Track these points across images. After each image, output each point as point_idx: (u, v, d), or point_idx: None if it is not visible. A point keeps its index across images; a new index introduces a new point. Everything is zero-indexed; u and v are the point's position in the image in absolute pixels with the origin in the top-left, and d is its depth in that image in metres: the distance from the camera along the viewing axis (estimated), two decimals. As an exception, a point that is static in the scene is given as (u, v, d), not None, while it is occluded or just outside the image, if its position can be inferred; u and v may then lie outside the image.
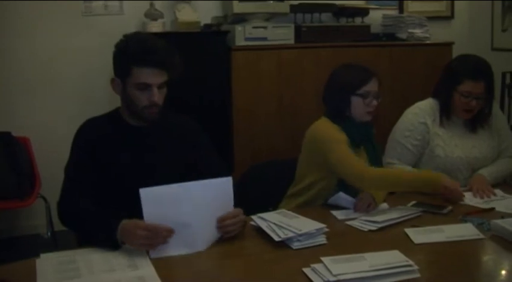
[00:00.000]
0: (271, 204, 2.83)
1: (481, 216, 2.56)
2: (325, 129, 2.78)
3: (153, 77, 2.37)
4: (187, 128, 2.60)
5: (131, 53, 2.37)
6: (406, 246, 2.24)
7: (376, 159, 2.88)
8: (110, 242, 2.16)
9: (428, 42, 4.96)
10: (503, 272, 2.12)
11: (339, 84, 2.81)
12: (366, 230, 2.42)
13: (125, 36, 2.46)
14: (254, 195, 2.92)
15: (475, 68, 2.98)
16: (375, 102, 2.77)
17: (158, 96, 2.40)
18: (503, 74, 4.91)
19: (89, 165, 2.41)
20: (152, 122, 2.46)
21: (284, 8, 4.55)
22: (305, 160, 2.86)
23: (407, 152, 3.04)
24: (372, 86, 2.76)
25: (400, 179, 2.65)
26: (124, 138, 2.46)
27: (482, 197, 2.81)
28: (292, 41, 4.53)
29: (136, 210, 2.14)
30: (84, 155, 2.43)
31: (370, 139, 2.87)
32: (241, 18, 4.52)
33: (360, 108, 2.76)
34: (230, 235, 2.30)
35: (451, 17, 5.65)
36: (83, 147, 2.44)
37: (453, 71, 3.03)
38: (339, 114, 2.79)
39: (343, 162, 2.65)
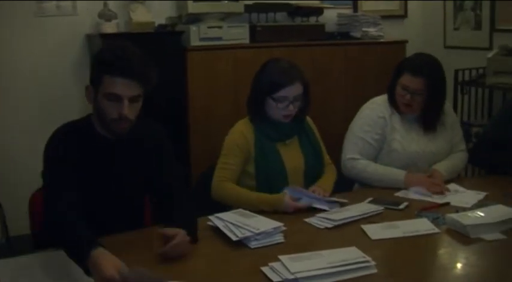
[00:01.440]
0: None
1: (436, 211, 2.61)
2: (230, 133, 2.88)
3: (124, 88, 2.23)
4: (155, 138, 2.51)
5: (104, 60, 2.25)
6: (363, 242, 2.26)
7: (314, 153, 2.92)
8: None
9: (382, 40, 5.01)
10: (458, 265, 2.15)
11: (256, 84, 2.86)
12: (323, 227, 2.43)
13: (107, 43, 2.35)
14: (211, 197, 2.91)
15: (417, 63, 3.02)
16: (291, 107, 2.78)
17: (129, 110, 2.25)
18: (456, 71, 4.98)
19: (66, 170, 2.29)
20: (120, 135, 2.35)
21: (239, 7, 4.54)
22: None
23: (368, 146, 3.05)
24: (288, 92, 2.76)
25: (246, 197, 2.71)
26: (92, 147, 2.35)
27: (437, 194, 2.84)
28: (247, 41, 4.52)
29: (103, 219, 2.09)
30: (60, 161, 2.29)
31: (302, 131, 2.93)
32: (196, 18, 4.50)
33: (274, 111, 2.80)
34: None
35: (404, 15, 5.72)
36: (57, 153, 2.30)
37: (400, 64, 3.09)
38: (256, 113, 2.85)
39: (215, 171, 2.83)
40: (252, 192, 2.74)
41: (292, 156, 2.85)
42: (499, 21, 5.13)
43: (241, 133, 2.83)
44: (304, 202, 2.63)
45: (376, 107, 3.12)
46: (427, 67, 3.01)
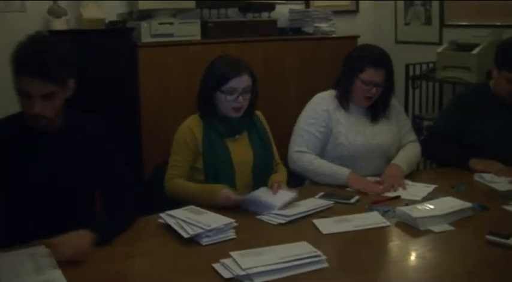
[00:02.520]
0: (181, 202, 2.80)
1: (387, 204, 2.63)
2: (180, 130, 2.89)
3: (33, 86, 2.18)
4: (92, 133, 2.47)
5: (16, 58, 2.21)
6: (315, 237, 2.27)
7: (264, 149, 2.93)
8: None
9: (334, 36, 5.04)
10: (408, 257, 2.17)
11: (205, 80, 2.87)
12: (275, 223, 2.43)
13: (26, 38, 2.31)
14: (163, 194, 2.89)
15: (377, 57, 3.06)
16: (240, 99, 2.79)
17: (41, 108, 2.21)
18: (407, 66, 5.04)
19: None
20: (44, 129, 2.31)
21: (190, 3, 4.51)
22: None
23: (314, 138, 3.06)
24: (237, 83, 2.78)
25: (193, 190, 2.72)
26: (25, 142, 2.32)
27: (395, 191, 2.86)
28: (198, 37, 4.50)
29: (37, 215, 2.06)
30: None
31: (253, 127, 2.94)
32: (147, 15, 4.46)
33: (224, 104, 2.81)
34: None
35: (356, 11, 5.76)
36: None
37: (355, 60, 3.09)
38: (205, 109, 2.87)
39: (167, 167, 2.85)
40: (197, 185, 2.76)
41: (241, 151, 2.86)
42: (448, 16, 5.22)
43: (188, 129, 2.84)
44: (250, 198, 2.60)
45: (321, 101, 3.15)
46: (385, 59, 3.07)
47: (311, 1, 5.40)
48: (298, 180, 3.12)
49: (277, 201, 2.57)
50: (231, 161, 2.82)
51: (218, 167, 2.80)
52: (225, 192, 2.60)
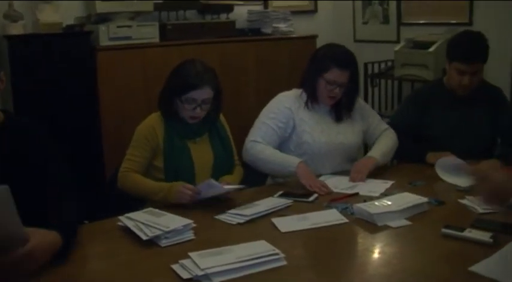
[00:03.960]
0: (140, 203, 2.80)
1: (345, 201, 2.66)
2: (141, 125, 2.91)
3: None
4: (31, 139, 2.37)
5: None
6: (273, 235, 2.28)
7: (224, 151, 2.96)
8: None
9: (293, 36, 5.06)
10: (366, 252, 2.19)
11: (169, 83, 2.90)
12: (234, 223, 2.44)
13: None
14: (124, 195, 2.88)
15: (342, 57, 3.08)
16: (198, 110, 2.82)
17: None
18: (366, 65, 5.09)
19: None
20: None
21: (148, 6, 4.50)
22: None
23: (272, 132, 3.07)
24: (197, 94, 2.79)
25: (148, 186, 2.76)
26: None
27: (353, 181, 2.93)
28: (157, 40, 4.49)
29: None
30: None
31: (214, 129, 2.96)
32: (105, 18, 4.43)
33: (184, 111, 2.84)
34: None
35: (314, 11, 5.80)
36: None
37: (321, 59, 3.11)
38: (166, 110, 2.89)
39: (123, 162, 2.89)
40: (153, 181, 2.78)
41: (201, 153, 2.88)
42: (405, 15, 5.30)
43: (151, 126, 2.86)
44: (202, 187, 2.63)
45: (284, 99, 3.17)
46: (350, 60, 3.10)
47: (269, 2, 5.42)
48: (259, 180, 3.14)
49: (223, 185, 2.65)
50: (191, 162, 2.84)
51: (178, 167, 2.82)
52: (180, 186, 2.64)
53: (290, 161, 2.97)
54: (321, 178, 2.98)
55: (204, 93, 2.80)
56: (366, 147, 3.49)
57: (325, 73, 3.04)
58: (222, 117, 3.04)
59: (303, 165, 2.95)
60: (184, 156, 2.84)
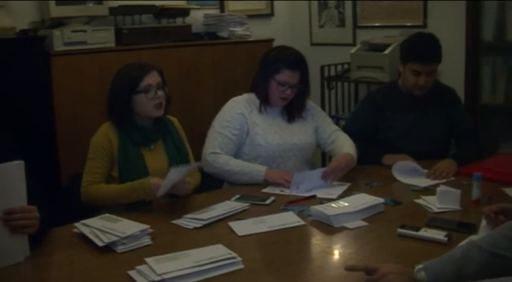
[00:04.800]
0: (97, 210, 2.77)
1: (302, 203, 2.67)
2: (96, 136, 2.87)
3: None
4: None
5: None
6: (230, 239, 2.29)
7: (179, 156, 2.93)
8: None
9: (249, 39, 5.07)
10: (323, 254, 2.20)
11: (116, 86, 2.86)
12: (191, 227, 2.43)
13: None
14: (80, 202, 2.85)
15: (292, 59, 3.12)
16: (159, 93, 2.82)
17: None
18: (322, 67, 5.12)
19: None
20: None
21: (103, 10, 4.45)
22: None
23: (228, 140, 3.09)
24: (151, 79, 2.81)
25: (118, 191, 2.72)
26: None
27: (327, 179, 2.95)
28: (113, 44, 4.44)
29: None
30: None
31: (168, 135, 2.94)
32: (60, 23, 4.37)
33: (144, 104, 2.82)
34: (21, 232, 2.08)
35: (271, 14, 5.81)
36: None
37: (271, 62, 3.13)
38: (120, 119, 2.84)
39: (83, 176, 2.82)
40: (116, 186, 2.76)
41: (156, 160, 2.86)
42: (361, 18, 5.34)
43: (105, 135, 2.83)
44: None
45: (235, 105, 3.18)
46: (301, 61, 3.14)
47: (226, 6, 5.42)
48: (215, 184, 3.13)
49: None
50: (146, 171, 2.81)
51: (133, 175, 2.77)
52: (152, 182, 2.63)
53: (257, 170, 3.00)
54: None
55: (155, 76, 2.83)
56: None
57: (277, 74, 3.07)
58: (176, 123, 3.05)
59: (269, 170, 2.99)
60: (139, 164, 2.82)
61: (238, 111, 3.14)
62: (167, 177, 2.56)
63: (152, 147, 2.88)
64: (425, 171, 3.07)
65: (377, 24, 5.17)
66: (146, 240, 2.26)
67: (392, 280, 1.80)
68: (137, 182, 2.68)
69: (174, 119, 3.04)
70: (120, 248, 2.19)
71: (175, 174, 2.58)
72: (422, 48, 3.29)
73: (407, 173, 3.04)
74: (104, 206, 2.72)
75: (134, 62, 2.93)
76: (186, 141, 3.03)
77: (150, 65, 2.86)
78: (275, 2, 5.82)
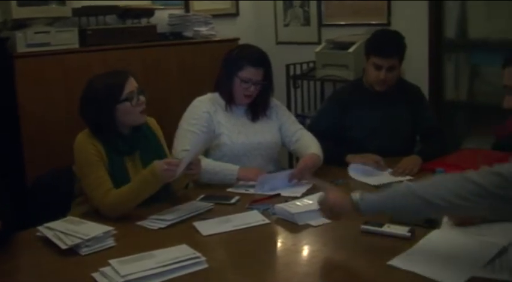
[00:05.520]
0: (62, 213, 2.74)
1: (267, 202, 2.68)
2: (81, 148, 2.70)
3: None
4: None
5: None
6: (195, 239, 2.30)
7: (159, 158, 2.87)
8: None
9: (214, 39, 5.07)
10: (288, 252, 2.24)
11: (97, 98, 2.70)
12: (155, 228, 2.43)
13: None
14: (45, 204, 2.83)
15: (255, 56, 3.14)
16: (142, 99, 2.75)
17: None
18: (287, 66, 5.14)
19: None
20: None
21: (66, 11, 4.41)
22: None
23: (198, 137, 3.06)
24: (131, 86, 2.73)
25: (132, 189, 2.60)
26: None
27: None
28: (77, 45, 4.40)
29: None
30: None
31: (146, 142, 2.85)
32: (22, 24, 4.32)
33: (130, 113, 2.73)
34: None
35: (236, 14, 5.80)
36: None
37: (234, 59, 3.15)
38: (101, 128, 2.72)
39: (90, 193, 2.64)
40: (131, 184, 2.63)
41: (138, 168, 2.75)
42: (326, 17, 5.36)
43: (91, 144, 2.69)
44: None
45: (200, 104, 3.19)
46: (263, 58, 3.16)
47: (191, 5, 5.40)
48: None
49: None
50: (129, 179, 2.70)
51: (117, 185, 2.65)
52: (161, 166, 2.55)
53: (230, 169, 3.00)
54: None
55: (133, 81, 2.75)
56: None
57: (240, 72, 3.09)
58: (154, 122, 2.97)
59: (241, 169, 2.99)
60: (123, 173, 2.71)
61: (204, 110, 3.14)
62: (187, 154, 2.58)
63: (135, 155, 2.79)
64: (390, 170, 3.10)
65: (342, 23, 5.20)
66: (110, 242, 2.26)
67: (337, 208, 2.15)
68: (145, 172, 2.59)
69: (152, 120, 2.95)
70: (84, 251, 2.19)
71: (196, 143, 2.64)
72: (383, 43, 3.35)
73: (364, 172, 3.07)
74: (129, 209, 2.59)
75: (106, 72, 2.82)
76: (164, 143, 2.96)
77: (125, 71, 2.78)
78: (240, 1, 5.81)
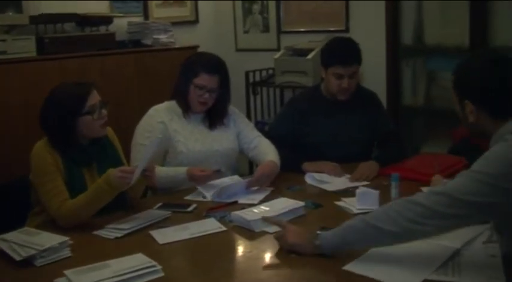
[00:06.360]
0: (19, 223, 2.71)
1: (224, 210, 2.69)
2: (38, 157, 2.65)
3: None
4: None
5: None
6: (152, 248, 2.29)
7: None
8: None
9: (173, 46, 5.07)
10: (244, 259, 2.25)
11: (58, 109, 2.67)
12: (112, 237, 2.42)
13: None
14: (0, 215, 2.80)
15: (211, 63, 3.15)
16: (104, 112, 2.73)
17: None
18: (247, 73, 5.16)
19: None
20: None
21: (23, 19, 4.37)
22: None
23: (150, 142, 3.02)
24: (94, 99, 2.70)
25: (88, 198, 2.55)
26: None
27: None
28: (34, 53, 4.37)
29: None
30: None
31: (103, 153, 2.82)
32: (-22, 32, 4.29)
33: (91, 126, 2.70)
34: None
35: (196, 21, 5.81)
36: None
37: (190, 66, 3.16)
38: (60, 139, 2.68)
39: (46, 203, 2.60)
40: (86, 193, 2.59)
41: (95, 179, 2.69)
42: (285, 24, 5.41)
43: (48, 153, 2.65)
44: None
45: (155, 114, 3.18)
46: (219, 65, 3.16)
47: (150, 13, 5.40)
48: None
49: None
50: (86, 189, 2.64)
51: (74, 196, 2.61)
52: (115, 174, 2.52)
53: (179, 172, 3.00)
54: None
55: (96, 94, 2.71)
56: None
57: (195, 78, 3.10)
58: (110, 132, 2.93)
59: (190, 168, 2.98)
60: (80, 184, 2.67)
61: (159, 120, 3.13)
62: (141, 160, 2.55)
63: (93, 166, 2.76)
64: (347, 176, 3.13)
65: (301, 29, 5.26)
66: (66, 252, 2.24)
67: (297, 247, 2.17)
68: (100, 181, 2.55)
69: (109, 129, 2.90)
70: (39, 262, 2.17)
71: (150, 148, 2.58)
72: (341, 52, 3.35)
73: (321, 181, 3.10)
74: (85, 219, 2.56)
75: (68, 82, 2.78)
76: (121, 153, 2.94)
77: (88, 84, 2.74)
78: (200, 8, 5.83)
